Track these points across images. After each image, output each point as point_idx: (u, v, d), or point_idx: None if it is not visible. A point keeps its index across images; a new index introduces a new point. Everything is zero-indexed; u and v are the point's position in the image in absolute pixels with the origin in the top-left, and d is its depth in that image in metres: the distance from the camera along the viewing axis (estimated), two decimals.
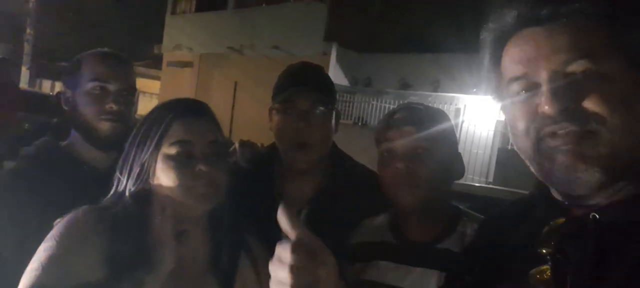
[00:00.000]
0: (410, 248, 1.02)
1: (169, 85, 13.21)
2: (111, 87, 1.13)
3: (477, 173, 7.07)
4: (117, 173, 0.90)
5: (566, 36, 0.58)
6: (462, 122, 7.70)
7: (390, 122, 1.04)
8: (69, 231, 0.83)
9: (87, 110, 1.12)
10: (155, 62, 14.63)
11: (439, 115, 1.03)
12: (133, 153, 0.89)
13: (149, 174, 0.88)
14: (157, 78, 14.54)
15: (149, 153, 0.87)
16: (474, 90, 7.79)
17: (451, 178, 1.04)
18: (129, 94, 1.17)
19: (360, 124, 9.09)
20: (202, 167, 0.85)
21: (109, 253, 0.82)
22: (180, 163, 0.86)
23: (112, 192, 0.90)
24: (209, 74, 12.00)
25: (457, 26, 8.25)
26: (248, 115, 8.73)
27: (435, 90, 8.68)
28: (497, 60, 0.66)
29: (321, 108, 1.13)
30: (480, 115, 7.51)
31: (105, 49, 1.21)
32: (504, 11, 0.64)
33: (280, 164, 1.21)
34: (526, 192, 0.76)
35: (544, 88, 0.58)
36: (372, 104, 9.14)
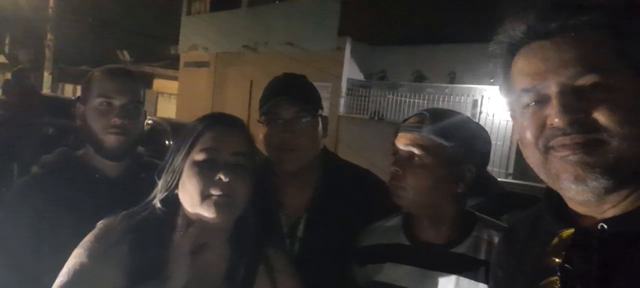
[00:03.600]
0: (424, 251, 1.02)
1: (187, 85, 13.39)
2: (116, 102, 1.20)
3: (497, 165, 6.98)
4: (155, 178, 0.95)
5: (574, 50, 0.60)
6: (480, 113, 7.60)
7: (401, 124, 1.06)
8: (97, 239, 0.88)
9: (95, 124, 1.20)
10: (173, 62, 14.84)
11: (453, 124, 1.01)
12: (170, 160, 0.93)
13: (177, 181, 0.91)
14: (175, 78, 14.76)
15: (180, 160, 0.91)
16: (491, 80, 7.66)
17: (460, 186, 1.01)
18: (134, 108, 1.23)
19: (376, 118, 9.06)
20: (221, 176, 0.87)
21: (130, 262, 0.85)
22: (202, 168, 0.88)
23: (149, 199, 0.95)
24: (225, 73, 12.12)
25: (472, 16, 8.12)
26: None
27: (452, 81, 8.58)
28: (507, 70, 0.68)
29: (303, 116, 1.17)
30: (499, 106, 7.39)
31: (114, 66, 1.29)
32: (513, 24, 0.65)
33: (276, 174, 1.25)
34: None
35: (554, 101, 0.60)
36: (388, 98, 9.09)
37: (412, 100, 8.75)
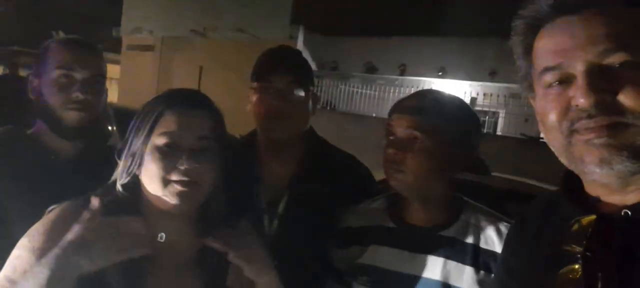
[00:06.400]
0: (412, 234, 1.01)
1: (130, 69, 12.74)
2: (77, 75, 1.09)
3: None
4: (117, 160, 0.88)
5: (603, 25, 0.56)
6: None
7: (395, 106, 1.04)
8: (51, 229, 0.79)
9: (52, 99, 1.08)
10: (114, 45, 14.02)
11: (451, 108, 1.01)
12: (129, 142, 0.86)
13: (138, 165, 0.84)
14: (117, 62, 13.97)
15: (140, 142, 0.84)
16: (440, 73, 7.95)
17: (454, 170, 1.02)
18: (97, 83, 1.12)
19: (328, 108, 9.10)
20: (185, 163, 0.81)
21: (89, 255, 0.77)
22: (163, 154, 0.82)
23: (110, 181, 0.88)
24: (171, 58, 11.64)
25: (423, 9, 8.32)
26: (215, 100, 8.54)
27: (402, 73, 8.79)
28: (528, 48, 0.64)
29: (296, 87, 1.16)
30: None
31: (72, 36, 1.17)
32: None
33: (258, 150, 1.23)
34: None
35: (580, 80, 0.57)
36: (340, 88, 9.16)
37: (363, 91, 8.87)
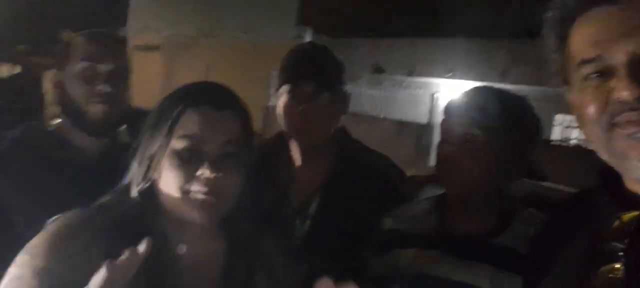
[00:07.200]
0: (460, 240, 0.95)
1: (136, 69, 12.71)
2: (102, 67, 1.07)
3: None
4: (131, 161, 0.78)
5: None
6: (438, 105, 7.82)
7: (452, 103, 0.99)
8: (55, 244, 0.69)
9: (76, 92, 1.06)
10: None
11: (512, 106, 0.94)
12: (145, 144, 0.77)
13: (155, 170, 0.75)
14: None
15: (157, 145, 0.74)
16: (449, 74, 7.89)
17: (511, 174, 0.96)
18: (122, 75, 1.11)
19: None
20: (206, 173, 0.72)
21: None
22: (183, 161, 0.73)
23: (120, 183, 0.79)
24: (179, 57, 11.69)
25: (432, 10, 8.27)
26: None
27: (410, 74, 8.73)
28: (563, 40, 0.61)
29: (322, 91, 1.12)
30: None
31: (97, 29, 1.15)
32: None
33: (288, 150, 1.21)
34: None
35: (622, 72, 0.54)
36: (348, 89, 9.14)
37: (370, 92, 8.84)
